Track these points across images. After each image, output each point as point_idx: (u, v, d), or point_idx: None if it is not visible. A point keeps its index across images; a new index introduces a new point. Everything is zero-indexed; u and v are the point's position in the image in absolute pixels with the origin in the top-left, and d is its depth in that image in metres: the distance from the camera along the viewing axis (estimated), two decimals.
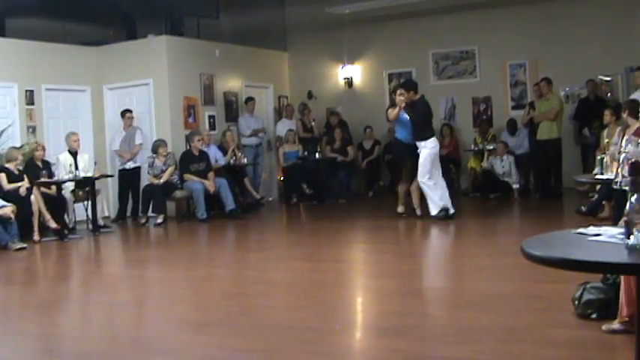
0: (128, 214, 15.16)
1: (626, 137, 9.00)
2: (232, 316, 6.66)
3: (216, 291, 8.08)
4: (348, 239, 11.62)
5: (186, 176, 14.40)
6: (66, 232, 12.46)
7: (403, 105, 12.27)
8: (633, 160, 4.62)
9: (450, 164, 16.44)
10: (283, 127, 17.31)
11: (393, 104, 12.81)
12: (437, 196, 12.21)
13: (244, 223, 13.82)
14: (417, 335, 5.70)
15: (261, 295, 7.62)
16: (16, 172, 12.29)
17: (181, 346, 5.74)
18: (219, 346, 5.65)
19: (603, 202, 11.17)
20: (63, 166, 13.10)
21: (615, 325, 5.07)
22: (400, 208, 12.85)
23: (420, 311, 6.59)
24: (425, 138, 12.25)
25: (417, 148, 12.31)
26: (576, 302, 5.61)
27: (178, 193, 14.54)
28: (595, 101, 14.63)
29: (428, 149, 12.19)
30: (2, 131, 13.60)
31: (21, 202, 11.93)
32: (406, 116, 12.42)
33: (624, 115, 10.11)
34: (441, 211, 12.14)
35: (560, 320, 5.67)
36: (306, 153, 16.74)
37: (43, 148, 13.13)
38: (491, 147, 15.56)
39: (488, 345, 5.28)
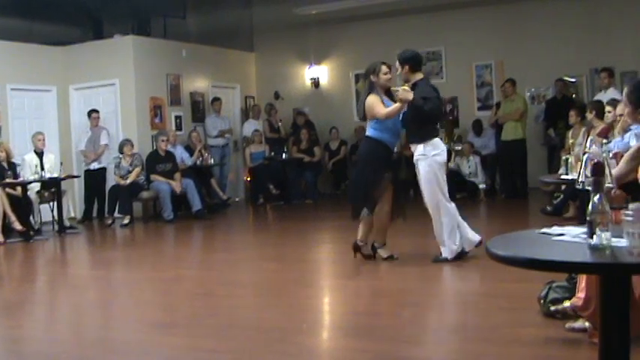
0: (94, 214, 15.09)
1: (590, 138, 9.09)
2: (199, 316, 6.65)
3: (183, 292, 8.05)
4: (314, 239, 11.63)
5: (153, 177, 14.37)
6: (31, 233, 12.38)
7: (407, 97, 8.03)
8: (595, 160, 4.66)
9: None
10: (250, 127, 17.30)
11: (370, 90, 8.61)
12: (456, 232, 8.44)
13: (211, 224, 13.80)
14: (385, 335, 5.72)
15: (228, 295, 7.62)
16: None
17: (148, 347, 5.73)
18: (186, 347, 5.64)
19: (569, 202, 11.26)
20: (29, 167, 13.04)
21: (578, 323, 5.12)
22: (383, 252, 8.73)
23: (386, 311, 6.61)
24: (424, 139, 8.24)
25: (398, 155, 9.03)
26: (542, 301, 5.66)
27: (145, 194, 14.51)
28: (562, 101, 14.74)
29: (429, 157, 8.20)
30: None
31: None
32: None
33: (590, 116, 10.21)
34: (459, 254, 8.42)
35: (526, 319, 5.71)
36: (272, 153, 16.77)
37: (5, 150, 12.96)
38: (459, 147, 15.64)
39: (454, 344, 5.31)
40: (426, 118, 8.12)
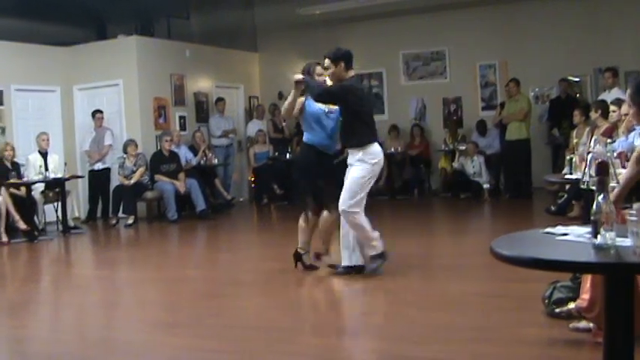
0: (98, 215, 15.10)
1: (594, 137, 9.08)
2: (203, 317, 6.65)
3: (187, 292, 8.05)
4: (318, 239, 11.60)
5: (157, 177, 14.38)
6: (36, 233, 12.39)
7: (296, 77, 7.73)
8: (600, 160, 4.65)
9: (420, 164, 16.56)
10: (254, 127, 17.30)
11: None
12: (375, 233, 7.81)
13: (215, 224, 13.81)
14: (389, 335, 5.71)
15: (232, 295, 7.62)
16: None
17: (151, 347, 5.73)
18: (189, 347, 5.64)
19: (573, 202, 11.25)
20: (33, 167, 13.05)
21: (582, 323, 5.10)
22: (327, 259, 8.36)
23: (390, 311, 6.61)
24: (360, 144, 7.67)
25: (336, 160, 8.31)
26: (546, 301, 5.65)
27: (149, 194, 14.52)
28: (566, 100, 14.72)
29: (367, 163, 7.63)
30: None
31: None
32: (321, 107, 7.94)
33: (594, 116, 10.19)
34: (379, 255, 7.87)
35: (529, 319, 5.70)
36: (276, 153, 16.77)
37: (12, 149, 13.05)
38: (463, 147, 15.62)
39: (458, 344, 5.30)
40: (358, 119, 7.63)
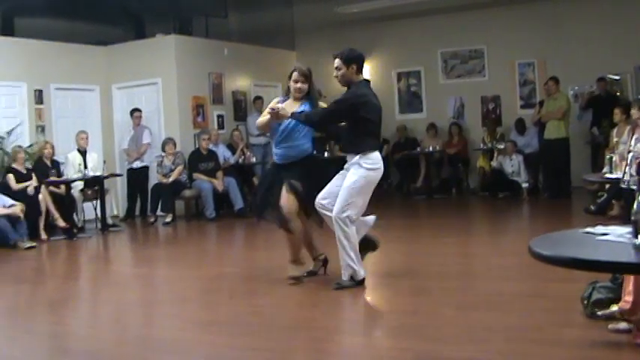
0: (137, 213, 15.20)
1: (635, 136, 8.99)
2: (240, 315, 6.66)
3: (225, 290, 8.09)
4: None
5: (195, 175, 14.44)
6: (75, 231, 12.50)
7: (278, 109, 7.48)
8: None
9: (458, 163, 16.50)
10: None
11: (286, 96, 8.05)
12: (356, 258, 7.28)
13: (252, 222, 13.80)
14: (426, 334, 5.69)
15: (270, 294, 7.61)
16: (24, 172, 12.37)
17: (190, 345, 5.74)
18: (227, 345, 5.65)
19: (613, 201, 11.14)
20: (72, 165, 13.16)
21: (622, 324, 5.05)
22: (295, 269, 7.98)
23: (429, 310, 6.58)
24: (358, 151, 7.20)
25: (293, 168, 8.02)
26: (585, 302, 5.60)
27: (187, 192, 14.58)
28: (606, 99, 14.58)
29: (363, 168, 7.17)
30: (11, 130, 13.65)
31: (29, 201, 11.98)
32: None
33: (636, 114, 10.07)
34: (357, 282, 7.27)
35: (568, 320, 5.65)
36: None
37: (52, 147, 13.19)
38: (501, 146, 15.52)
39: (496, 344, 5.26)
40: (363, 127, 7.21)
